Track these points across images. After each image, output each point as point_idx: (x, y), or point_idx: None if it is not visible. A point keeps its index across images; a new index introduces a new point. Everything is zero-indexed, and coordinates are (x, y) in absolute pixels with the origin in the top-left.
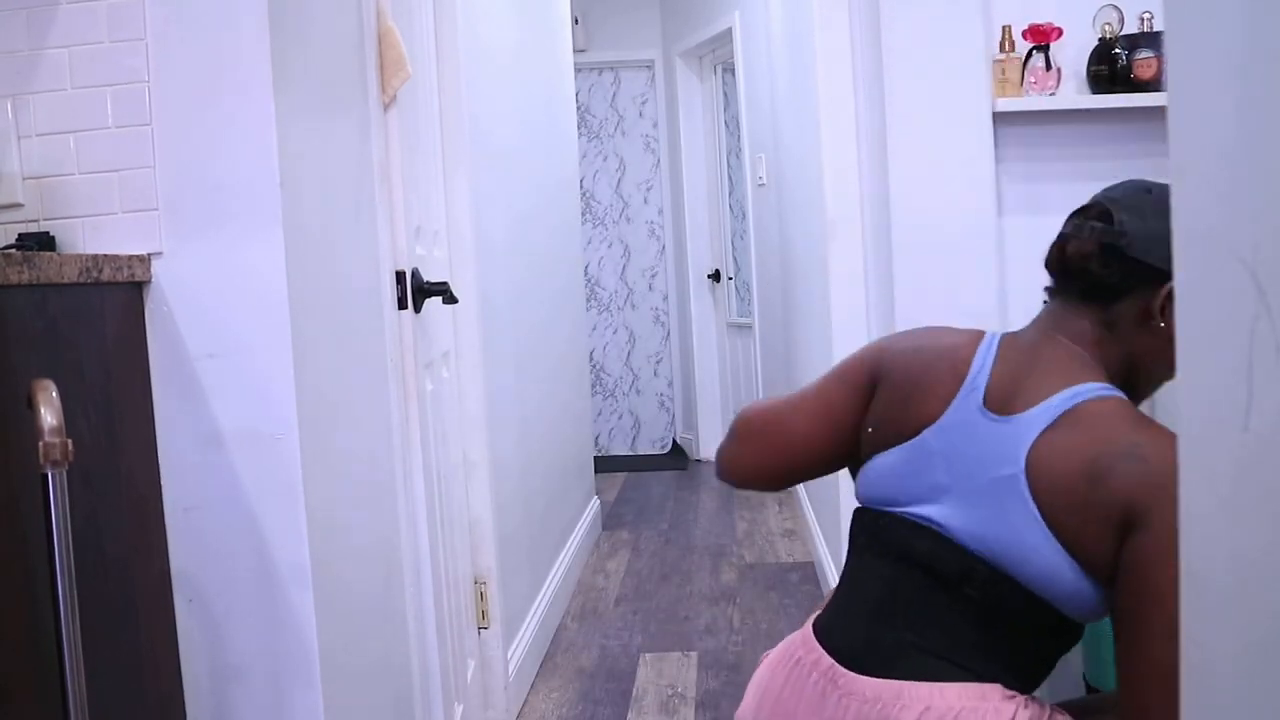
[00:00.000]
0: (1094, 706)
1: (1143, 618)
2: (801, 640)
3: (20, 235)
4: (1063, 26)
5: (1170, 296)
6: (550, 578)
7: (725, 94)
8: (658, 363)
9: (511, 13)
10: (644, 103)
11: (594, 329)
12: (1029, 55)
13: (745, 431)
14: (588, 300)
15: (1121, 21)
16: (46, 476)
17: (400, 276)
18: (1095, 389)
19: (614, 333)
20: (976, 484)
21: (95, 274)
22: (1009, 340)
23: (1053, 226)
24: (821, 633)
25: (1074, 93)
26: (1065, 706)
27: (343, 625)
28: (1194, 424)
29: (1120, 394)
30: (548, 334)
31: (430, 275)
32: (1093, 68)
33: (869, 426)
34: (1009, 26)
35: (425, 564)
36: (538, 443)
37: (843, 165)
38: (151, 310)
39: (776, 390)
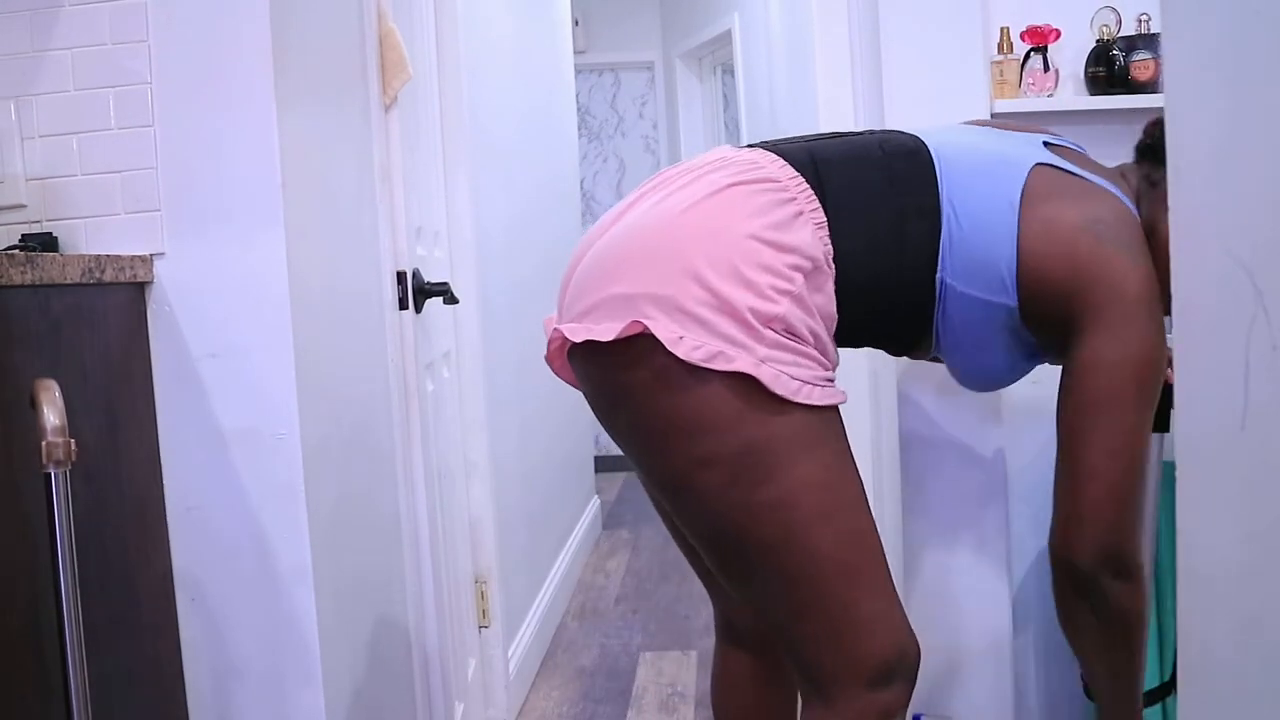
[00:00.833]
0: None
1: (1081, 427)
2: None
3: (23, 236)
4: (1060, 28)
5: None
6: (550, 577)
7: (725, 95)
8: None
9: (512, 14)
10: (644, 104)
11: None
12: (1027, 56)
13: None
14: None
15: (1119, 23)
16: (49, 476)
17: (401, 277)
18: (1119, 192)
19: None
20: None
21: (98, 274)
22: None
23: None
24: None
25: (1071, 94)
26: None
27: (343, 624)
28: (1192, 423)
29: (1137, 213)
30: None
31: (431, 276)
32: (1090, 69)
33: None
34: (1007, 28)
35: (425, 564)
36: (538, 443)
37: None
38: (153, 310)
39: None
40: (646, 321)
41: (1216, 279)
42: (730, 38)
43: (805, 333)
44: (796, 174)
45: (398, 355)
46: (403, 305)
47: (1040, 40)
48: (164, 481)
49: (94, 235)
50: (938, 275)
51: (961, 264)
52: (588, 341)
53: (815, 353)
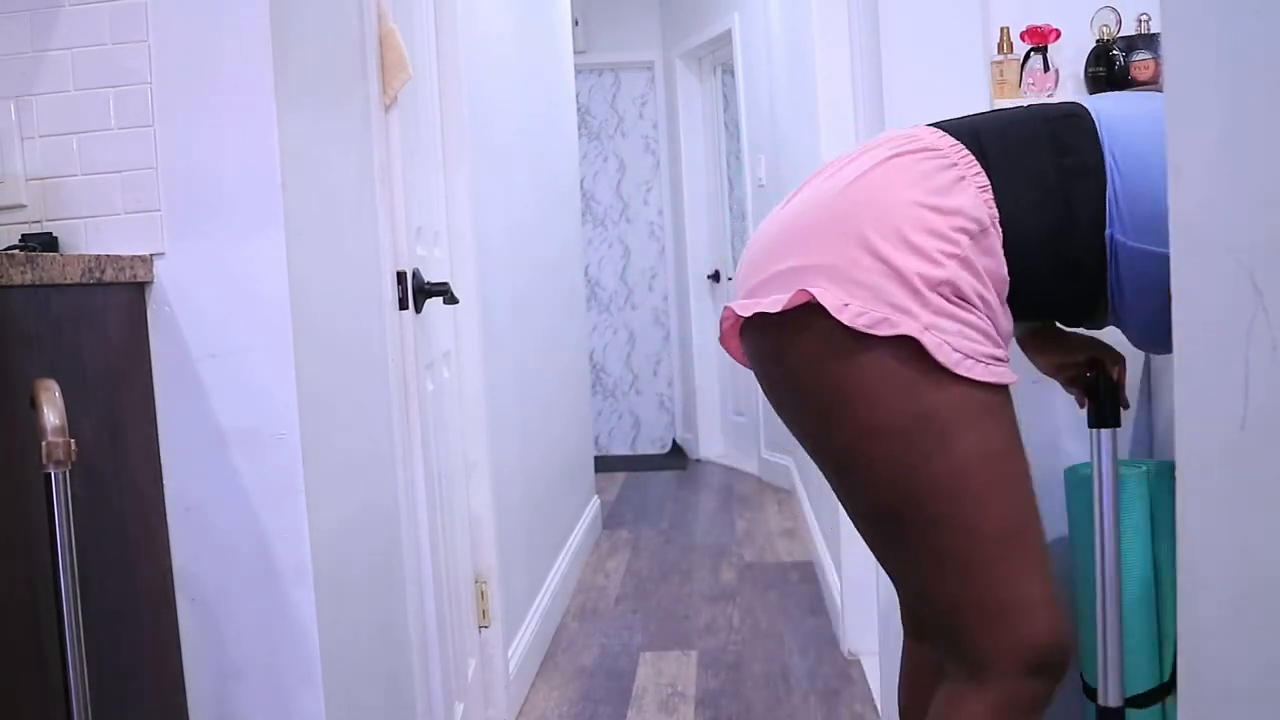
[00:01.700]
0: None
1: None
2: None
3: (23, 236)
4: (1060, 28)
5: None
6: (550, 577)
7: (725, 95)
8: (658, 363)
9: (512, 14)
10: (644, 104)
11: (594, 329)
12: (1027, 56)
13: None
14: (588, 300)
15: (1119, 23)
16: (49, 476)
17: (401, 277)
18: None
19: (614, 333)
20: None
21: (98, 274)
22: None
23: None
24: None
25: (1072, 94)
26: None
27: (343, 624)
28: (1192, 422)
29: None
30: (548, 334)
31: (431, 276)
32: (1090, 69)
33: None
34: (1007, 28)
35: (425, 564)
36: (538, 442)
37: None
38: (153, 310)
39: None
40: (813, 290)
41: (1217, 278)
42: (730, 37)
43: (974, 298)
44: (956, 142)
45: (398, 355)
46: (403, 305)
47: (1040, 40)
48: (164, 481)
49: (94, 235)
50: (1107, 232)
51: (1130, 219)
52: (757, 317)
53: (984, 321)
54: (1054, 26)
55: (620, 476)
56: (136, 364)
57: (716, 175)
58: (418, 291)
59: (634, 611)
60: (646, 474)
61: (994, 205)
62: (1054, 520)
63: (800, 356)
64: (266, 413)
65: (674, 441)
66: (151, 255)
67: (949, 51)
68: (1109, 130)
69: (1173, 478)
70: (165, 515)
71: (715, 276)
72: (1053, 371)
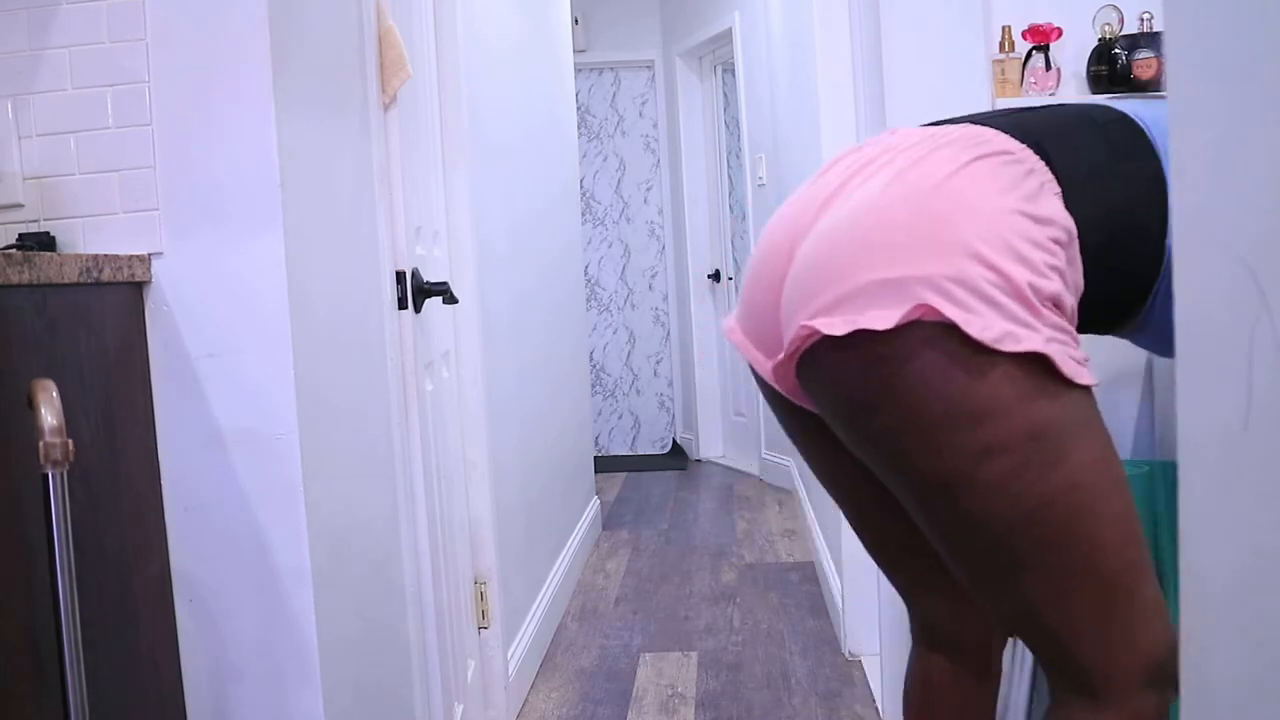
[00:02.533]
0: None
1: None
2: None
3: (21, 235)
4: (1062, 27)
5: None
6: (550, 578)
7: (725, 94)
8: (658, 363)
9: (512, 13)
10: (644, 103)
11: (594, 329)
12: (1029, 55)
13: None
14: (588, 300)
15: (1121, 22)
16: (47, 476)
17: (400, 276)
18: None
19: (614, 333)
20: None
21: (95, 274)
22: None
23: None
24: None
25: (1074, 93)
26: None
27: (342, 625)
28: (1194, 423)
29: None
30: (548, 334)
31: (430, 275)
32: (1092, 68)
33: None
34: (1009, 27)
35: (425, 564)
36: (538, 443)
37: None
38: (151, 310)
39: None
40: (935, 304)
41: (1219, 278)
42: (731, 36)
43: (1069, 310)
44: (1024, 145)
45: (397, 355)
46: (402, 305)
47: (1042, 39)
48: (162, 482)
49: (92, 235)
50: (1168, 242)
51: None
52: (836, 338)
53: (1073, 329)
54: (1056, 25)
55: (620, 477)
56: (134, 364)
57: (717, 174)
58: (417, 291)
59: (634, 612)
60: (646, 474)
61: (1069, 213)
62: None
63: (914, 375)
64: (265, 413)
65: (674, 441)
66: (149, 255)
67: (950, 50)
68: (1160, 135)
69: (1173, 478)
70: (163, 515)
71: (715, 276)
72: None
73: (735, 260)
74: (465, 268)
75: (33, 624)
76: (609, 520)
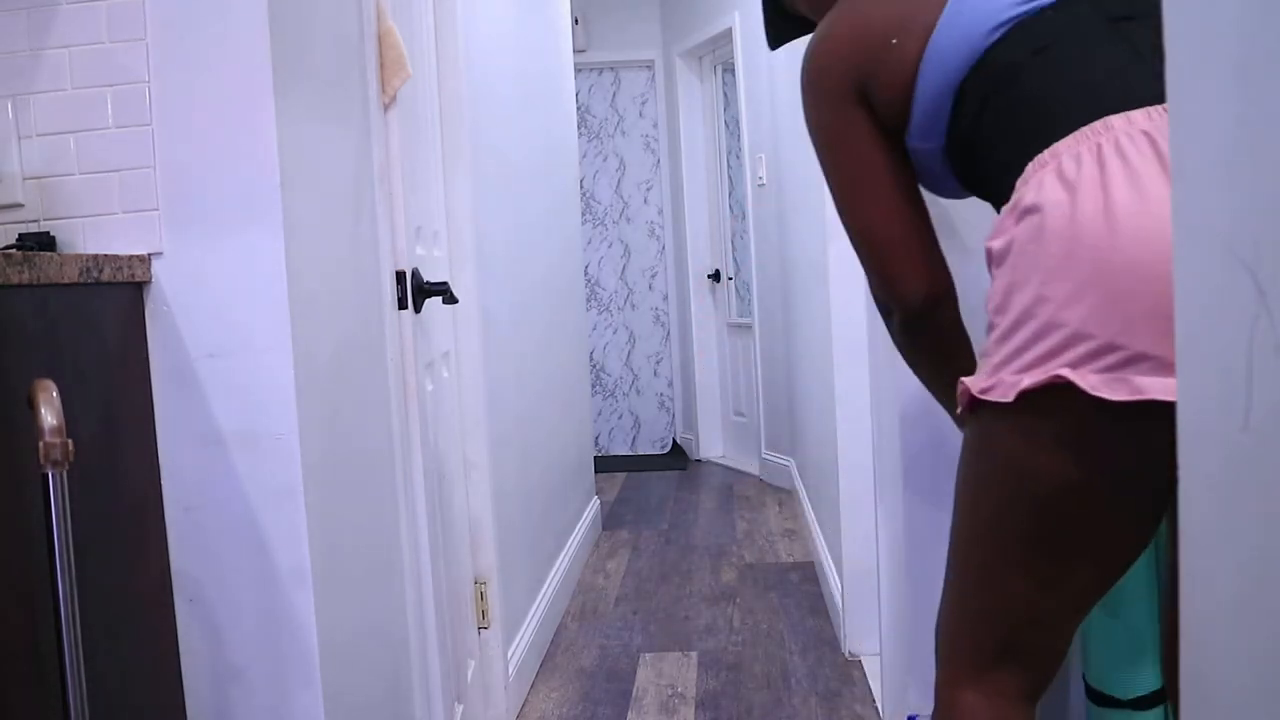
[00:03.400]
0: None
1: None
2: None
3: (20, 235)
4: None
5: None
6: (550, 578)
7: (725, 94)
8: (658, 363)
9: (512, 13)
10: (644, 103)
11: (594, 329)
12: None
13: None
14: (588, 300)
15: None
16: (46, 476)
17: (400, 276)
18: None
19: (614, 333)
20: None
21: (95, 274)
22: None
23: None
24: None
25: None
26: None
27: (343, 625)
28: (1193, 423)
29: None
30: (548, 334)
31: (430, 275)
32: None
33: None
34: None
35: (425, 564)
36: (538, 443)
37: None
38: (151, 310)
39: (777, 391)
40: None
41: (1218, 277)
42: (731, 36)
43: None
44: None
45: (397, 355)
46: (402, 305)
47: None
48: (162, 482)
49: (92, 235)
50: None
51: None
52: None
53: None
54: None
55: (620, 477)
56: (134, 364)
57: (717, 174)
58: (417, 291)
59: (634, 612)
60: (646, 474)
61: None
62: None
63: None
64: (265, 413)
65: (674, 441)
66: (149, 255)
67: None
68: None
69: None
70: (163, 516)
71: (715, 276)
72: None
73: (735, 260)
74: (465, 268)
75: (33, 624)
76: (609, 520)
